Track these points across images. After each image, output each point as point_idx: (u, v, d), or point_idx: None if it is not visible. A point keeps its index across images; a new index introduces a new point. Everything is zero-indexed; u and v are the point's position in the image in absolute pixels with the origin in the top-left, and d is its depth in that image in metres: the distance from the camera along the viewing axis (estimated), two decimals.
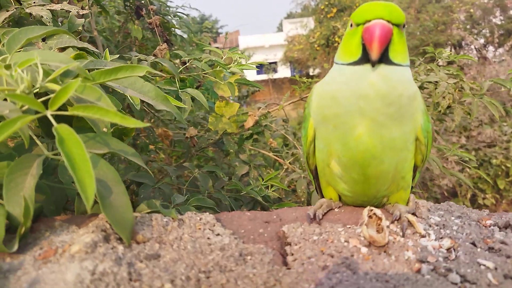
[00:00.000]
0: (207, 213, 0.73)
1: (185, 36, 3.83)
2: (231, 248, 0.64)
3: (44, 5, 1.33)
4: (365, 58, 0.69)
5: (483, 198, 6.47)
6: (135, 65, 0.81)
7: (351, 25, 0.73)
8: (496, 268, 0.61)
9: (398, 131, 0.71)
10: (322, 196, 0.90)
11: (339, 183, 0.79)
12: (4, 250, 0.57)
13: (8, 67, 0.67)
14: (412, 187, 0.84)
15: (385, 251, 0.66)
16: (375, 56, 0.66)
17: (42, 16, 1.25)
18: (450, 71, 2.76)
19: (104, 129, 0.80)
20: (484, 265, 0.62)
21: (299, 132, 3.57)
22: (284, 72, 19.94)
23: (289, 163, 2.67)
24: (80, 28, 1.46)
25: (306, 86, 3.33)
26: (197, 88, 3.74)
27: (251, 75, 20.25)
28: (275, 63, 20.39)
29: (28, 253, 0.58)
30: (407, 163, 0.76)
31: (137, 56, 1.73)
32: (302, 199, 2.34)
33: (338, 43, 13.70)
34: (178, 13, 3.30)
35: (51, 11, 1.34)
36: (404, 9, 12.66)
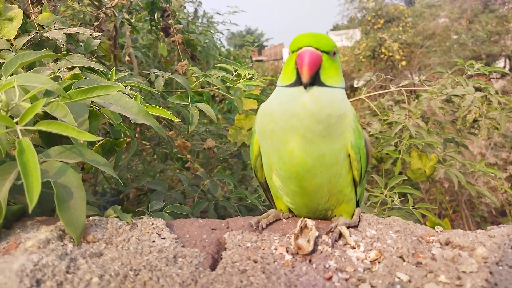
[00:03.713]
0: (160, 219, 0.81)
1: (218, 50, 4.00)
2: (168, 251, 0.71)
3: (62, 29, 1.50)
4: (298, 81, 0.76)
5: None
6: (109, 85, 0.91)
7: (289, 53, 0.80)
8: (409, 281, 0.63)
9: (327, 147, 0.75)
10: (275, 207, 0.95)
11: (282, 196, 0.84)
12: None
13: None
14: (358, 201, 0.86)
15: (309, 260, 0.70)
16: (305, 78, 0.73)
17: (57, 39, 1.41)
18: (478, 83, 2.67)
19: (81, 141, 0.91)
20: (399, 278, 0.64)
21: None
22: None
23: None
24: (96, 49, 1.61)
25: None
26: (220, 102, 3.87)
27: None
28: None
29: None
30: (341, 178, 0.80)
31: (155, 72, 1.87)
32: None
33: (385, 54, 13.33)
34: (208, 31, 3.47)
35: (69, 34, 1.51)
36: (455, 19, 12.18)
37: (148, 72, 1.95)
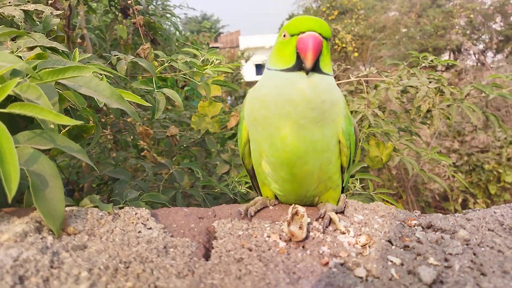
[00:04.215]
0: (143, 209, 0.77)
1: (176, 35, 3.87)
2: (157, 241, 0.68)
3: (18, 5, 1.37)
4: (298, 65, 0.74)
5: (474, 203, 6.51)
6: (83, 65, 0.85)
7: (284, 35, 0.78)
8: (402, 264, 0.65)
9: (320, 133, 0.75)
10: (261, 195, 0.94)
11: (271, 183, 0.84)
12: None
13: None
14: (343, 187, 0.88)
15: (303, 246, 0.70)
16: (309, 64, 0.71)
17: (14, 16, 1.29)
18: (432, 75, 2.79)
19: (52, 126, 0.84)
20: (392, 261, 0.66)
21: None
22: None
23: None
24: (56, 28, 1.50)
25: None
26: (182, 88, 3.77)
27: (250, 75, 20.26)
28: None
29: None
30: (331, 164, 0.80)
31: (116, 55, 1.77)
32: None
33: (338, 45, 13.59)
34: (168, 12, 3.34)
35: (26, 11, 1.38)
36: (405, 13, 12.70)
37: (109, 55, 1.85)
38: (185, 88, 3.60)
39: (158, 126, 2.88)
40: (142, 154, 2.85)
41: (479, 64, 10.27)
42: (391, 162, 2.60)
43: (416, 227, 0.79)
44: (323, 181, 0.82)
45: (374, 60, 11.66)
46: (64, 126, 0.99)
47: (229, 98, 10.94)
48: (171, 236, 0.71)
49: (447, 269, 0.63)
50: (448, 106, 2.60)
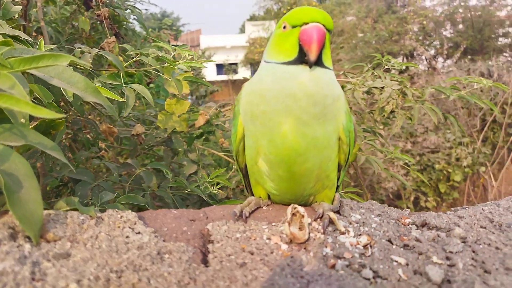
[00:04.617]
0: (129, 211, 0.71)
1: (140, 31, 3.72)
2: (149, 247, 0.62)
3: None
4: (300, 58, 0.71)
5: (425, 201, 6.83)
6: (59, 54, 0.77)
7: (284, 27, 0.74)
8: (407, 264, 0.64)
9: (321, 130, 0.72)
10: (252, 195, 0.90)
11: (266, 181, 0.80)
12: None
13: None
14: (338, 186, 0.86)
15: (305, 248, 0.67)
16: (314, 57, 0.68)
17: None
18: (395, 78, 2.87)
19: (22, 120, 0.75)
20: (396, 261, 0.64)
21: None
22: (244, 73, 20.01)
23: None
24: (17, 16, 1.38)
25: None
26: (148, 84, 3.64)
27: (211, 75, 20.08)
28: (235, 64, 20.39)
29: None
30: (330, 162, 0.78)
31: (80, 48, 1.66)
32: None
33: None
34: (131, 7, 3.20)
35: None
36: (362, 18, 13.11)
37: (72, 47, 1.73)
38: (150, 85, 3.46)
39: (120, 124, 2.75)
40: (100, 154, 2.70)
41: (430, 68, 10.81)
42: (357, 161, 2.65)
43: (410, 225, 0.79)
44: (320, 180, 0.79)
45: (334, 63, 11.94)
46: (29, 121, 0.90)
47: (189, 97, 10.76)
48: (164, 240, 0.66)
49: (452, 268, 0.63)
50: (409, 107, 2.69)
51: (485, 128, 7.69)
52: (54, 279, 0.51)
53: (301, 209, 0.71)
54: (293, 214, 0.71)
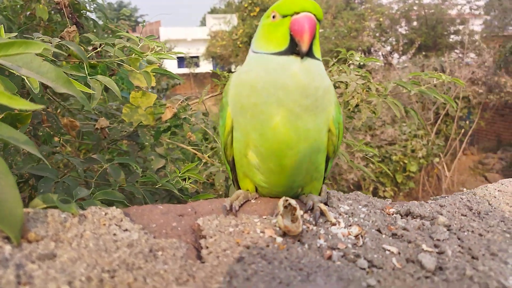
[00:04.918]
0: (114, 207, 0.67)
1: (99, 21, 3.55)
2: (140, 244, 0.59)
3: None
4: (291, 49, 0.70)
5: (384, 191, 7.10)
6: (30, 41, 0.71)
7: (273, 16, 0.73)
8: (399, 253, 0.65)
9: (312, 122, 0.72)
10: (239, 188, 0.89)
11: (256, 174, 0.79)
12: None
13: None
14: (324, 177, 0.86)
15: (299, 240, 0.67)
16: (306, 47, 0.67)
17: None
18: (359, 72, 2.94)
19: None
20: (389, 250, 0.66)
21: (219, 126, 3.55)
22: (206, 67, 19.75)
23: (208, 156, 2.63)
24: None
25: (227, 80, 3.31)
26: (110, 76, 3.50)
27: (172, 68, 19.67)
28: (197, 57, 20.09)
29: None
30: (320, 154, 0.78)
31: (40, 37, 1.56)
32: (220, 193, 2.32)
33: None
34: None
35: None
36: None
37: (29, 36, 1.62)
38: (113, 78, 3.33)
39: (81, 118, 2.62)
40: (57, 148, 2.56)
41: (386, 64, 11.20)
42: None
43: (395, 215, 0.81)
44: (310, 172, 0.79)
45: None
46: None
47: (150, 90, 10.47)
48: (154, 237, 0.63)
49: (441, 255, 0.65)
50: (370, 102, 2.77)
51: (438, 121, 8.08)
52: (43, 281, 0.47)
53: (292, 202, 0.70)
54: (285, 207, 0.71)
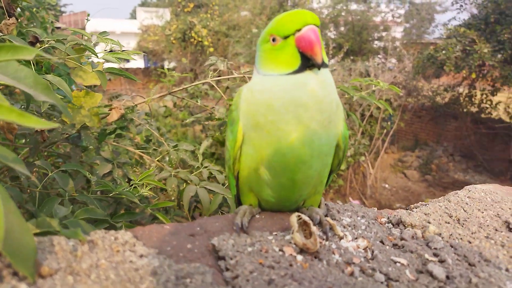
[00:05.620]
0: (123, 231, 0.62)
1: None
2: (165, 272, 0.56)
3: None
4: (305, 65, 0.70)
5: None
6: (20, 46, 0.64)
7: (273, 40, 0.73)
8: (408, 264, 0.69)
9: (326, 137, 0.73)
10: (239, 203, 0.87)
11: (264, 189, 0.78)
12: None
13: None
14: None
15: (315, 257, 0.67)
16: (320, 59, 0.68)
17: None
18: None
19: None
20: (399, 262, 0.69)
21: (163, 127, 3.44)
22: (137, 62, 18.92)
23: (158, 160, 2.54)
24: None
25: (175, 80, 3.21)
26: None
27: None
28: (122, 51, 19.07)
29: None
30: (327, 168, 0.80)
31: None
32: (173, 198, 2.25)
33: (194, 39, 13.50)
34: None
35: None
36: (256, 14, 13.49)
37: None
38: (49, 75, 3.04)
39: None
40: None
41: None
42: None
43: (387, 224, 0.85)
44: (315, 185, 0.80)
45: (232, 57, 12.09)
46: None
47: (73, 88, 9.77)
48: (175, 262, 0.59)
49: (444, 264, 0.70)
50: None
51: (364, 122, 8.62)
52: None
53: (306, 218, 0.71)
54: (303, 224, 0.71)
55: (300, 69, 0.71)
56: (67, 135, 2.35)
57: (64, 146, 2.59)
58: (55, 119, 2.54)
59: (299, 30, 0.70)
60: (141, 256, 0.58)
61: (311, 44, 0.68)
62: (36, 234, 0.61)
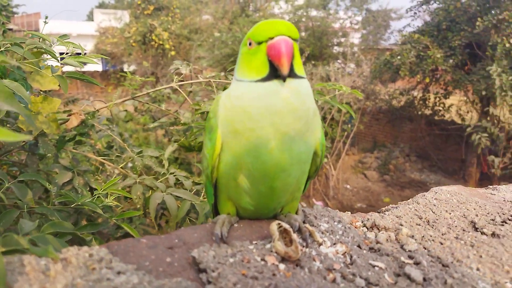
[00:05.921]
0: (98, 247, 0.59)
1: None
2: None
3: None
4: (273, 74, 0.70)
5: None
6: None
7: (249, 44, 0.73)
8: (386, 268, 0.70)
9: (304, 145, 0.73)
10: (216, 212, 0.85)
11: (243, 197, 0.77)
12: None
13: None
14: None
15: (297, 265, 0.67)
16: (286, 71, 0.67)
17: None
18: None
19: None
20: (377, 266, 0.70)
21: (125, 132, 3.34)
22: (94, 65, 18.26)
23: (121, 167, 2.46)
24: None
25: (138, 84, 3.13)
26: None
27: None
28: (84, 54, 18.43)
29: None
30: (305, 175, 0.80)
31: None
32: (138, 206, 2.19)
33: (155, 42, 13.29)
34: None
35: None
36: (219, 18, 13.46)
37: None
38: (5, 80, 2.87)
39: None
40: None
41: None
42: None
43: (362, 228, 0.87)
44: (293, 192, 0.80)
45: (195, 60, 11.97)
46: None
47: (29, 92, 9.30)
48: (155, 278, 0.57)
49: (419, 266, 0.72)
50: None
51: (325, 125, 8.82)
52: None
53: (286, 226, 0.71)
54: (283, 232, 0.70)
55: (269, 78, 0.70)
56: (24, 143, 2.23)
57: (18, 154, 2.44)
58: (8, 125, 2.41)
59: (272, 38, 0.70)
60: (119, 273, 0.56)
61: (279, 54, 0.68)
62: (3, 253, 0.57)
